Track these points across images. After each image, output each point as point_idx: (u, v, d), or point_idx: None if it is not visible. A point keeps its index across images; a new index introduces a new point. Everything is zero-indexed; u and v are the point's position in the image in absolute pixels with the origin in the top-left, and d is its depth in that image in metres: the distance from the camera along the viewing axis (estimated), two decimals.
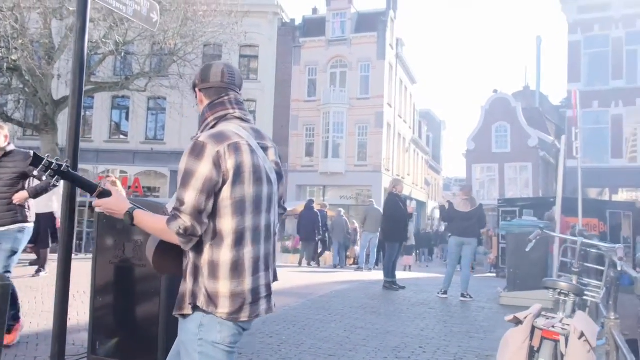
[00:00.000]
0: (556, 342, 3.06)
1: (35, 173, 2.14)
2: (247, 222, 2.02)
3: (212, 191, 1.95)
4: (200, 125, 2.17)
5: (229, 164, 1.97)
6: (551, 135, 33.54)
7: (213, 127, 2.11)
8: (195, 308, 1.99)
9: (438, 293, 8.89)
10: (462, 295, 8.60)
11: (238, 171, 1.99)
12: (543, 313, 3.31)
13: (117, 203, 2.08)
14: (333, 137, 29.92)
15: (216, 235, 1.99)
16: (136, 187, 27.57)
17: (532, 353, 3.14)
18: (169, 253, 2.07)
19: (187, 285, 2.02)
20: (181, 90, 22.40)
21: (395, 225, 9.62)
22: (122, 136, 31.33)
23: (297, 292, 8.81)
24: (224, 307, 1.97)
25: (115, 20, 18.13)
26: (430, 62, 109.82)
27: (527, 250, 4.14)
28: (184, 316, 2.04)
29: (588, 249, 4.39)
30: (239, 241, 2.00)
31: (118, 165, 27.80)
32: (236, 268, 1.99)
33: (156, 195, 29.39)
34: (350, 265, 16.71)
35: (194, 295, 1.99)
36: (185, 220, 1.91)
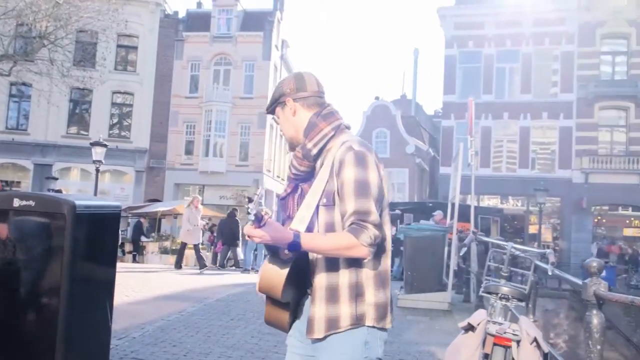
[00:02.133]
0: (507, 347, 3.02)
1: (250, 217, 1.82)
2: None
3: (382, 199, 1.95)
4: (313, 137, 2.04)
5: (381, 171, 1.98)
6: (425, 143, 35.25)
7: (332, 137, 2.03)
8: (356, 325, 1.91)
9: None
10: None
11: (384, 178, 2.00)
12: (487, 319, 3.26)
13: (279, 232, 1.84)
14: (214, 136, 29.21)
15: (383, 244, 1.97)
16: None
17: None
18: (295, 281, 1.95)
19: (342, 306, 1.92)
20: (51, 77, 20.71)
21: None
22: None
23: (191, 296, 8.32)
24: (389, 316, 1.98)
25: None
26: (313, 66, 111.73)
27: (461, 254, 4.11)
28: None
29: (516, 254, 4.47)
30: (388, 247, 2.03)
31: None
32: (389, 273, 2.02)
33: (17, 190, 26.90)
34: (231, 267, 16.16)
35: (361, 316, 1.91)
36: (374, 229, 1.85)
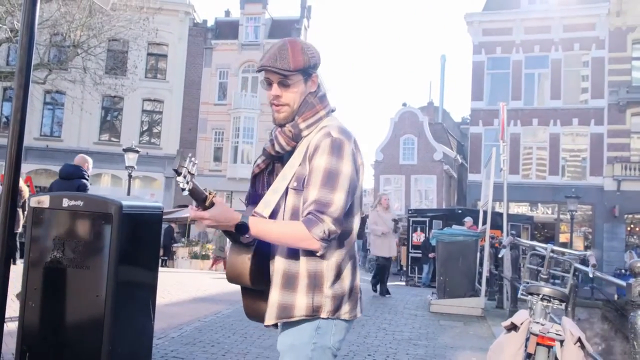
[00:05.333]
0: (550, 347, 3.01)
1: (179, 179, 1.65)
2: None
3: (354, 191, 1.84)
4: (308, 118, 1.90)
5: (359, 160, 1.87)
6: (453, 150, 35.01)
7: (319, 120, 1.91)
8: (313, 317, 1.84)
9: None
10: None
11: (361, 167, 1.91)
12: (530, 319, 3.26)
13: (226, 213, 1.78)
14: (242, 142, 29.49)
15: (345, 236, 1.86)
16: (27, 185, 25.64)
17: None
18: (262, 265, 1.87)
19: (298, 295, 1.82)
20: (84, 85, 21.19)
21: None
22: None
23: (225, 299, 8.42)
24: (346, 307, 1.87)
25: (14, 4, 16.81)
26: (340, 72, 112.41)
27: (500, 256, 4.11)
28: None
29: (556, 257, 4.44)
30: (354, 237, 1.92)
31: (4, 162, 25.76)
32: (354, 264, 1.91)
33: None
34: None
35: (317, 308, 1.82)
36: (330, 224, 1.73)
